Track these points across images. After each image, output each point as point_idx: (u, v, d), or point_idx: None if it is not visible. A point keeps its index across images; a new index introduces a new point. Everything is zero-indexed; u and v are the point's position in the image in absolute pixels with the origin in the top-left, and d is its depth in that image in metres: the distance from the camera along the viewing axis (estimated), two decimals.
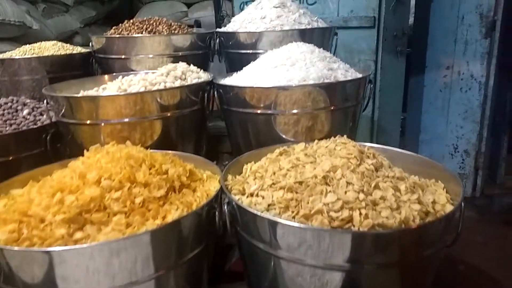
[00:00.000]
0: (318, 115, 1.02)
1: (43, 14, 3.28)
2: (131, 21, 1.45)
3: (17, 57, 1.35)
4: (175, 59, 1.40)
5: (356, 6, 2.11)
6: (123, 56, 1.37)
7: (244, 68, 1.23)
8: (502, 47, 2.19)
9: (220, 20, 2.65)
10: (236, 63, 1.50)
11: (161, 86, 1.02)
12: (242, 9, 2.30)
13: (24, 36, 2.95)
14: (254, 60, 1.39)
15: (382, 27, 2.10)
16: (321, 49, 1.17)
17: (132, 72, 1.34)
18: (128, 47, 1.36)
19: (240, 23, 1.46)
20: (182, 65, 1.18)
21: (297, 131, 1.03)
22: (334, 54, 1.54)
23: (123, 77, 1.30)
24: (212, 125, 1.48)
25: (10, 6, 2.72)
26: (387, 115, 2.27)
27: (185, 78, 1.10)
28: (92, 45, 1.47)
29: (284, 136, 1.05)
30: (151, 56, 1.37)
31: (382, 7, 2.07)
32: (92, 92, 1.21)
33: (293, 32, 1.36)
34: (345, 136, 0.87)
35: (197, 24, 2.51)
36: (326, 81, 1.02)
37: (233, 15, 2.43)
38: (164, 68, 1.11)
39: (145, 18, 1.47)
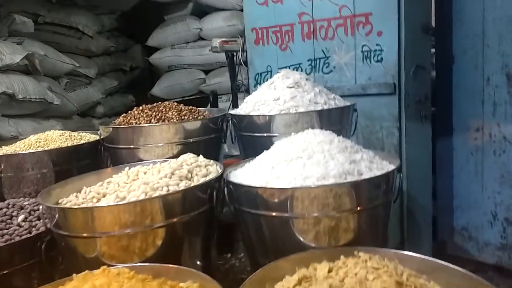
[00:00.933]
0: (342, 218, 0.89)
1: (66, 88, 3.38)
2: (140, 108, 1.41)
3: (21, 152, 1.31)
4: (186, 146, 1.33)
5: (373, 73, 2.03)
6: (131, 146, 1.31)
7: (257, 158, 1.13)
8: None
9: (236, 89, 2.64)
10: (250, 146, 1.42)
11: (164, 191, 0.92)
12: (257, 80, 2.28)
13: (45, 111, 3.02)
14: (268, 144, 1.30)
15: (404, 93, 2.00)
16: (341, 137, 1.07)
17: (139, 162, 1.27)
18: (136, 136, 1.31)
19: (253, 105, 1.40)
20: (188, 160, 1.09)
21: (318, 236, 0.91)
22: (354, 132, 1.44)
23: (129, 169, 1.23)
24: (225, 210, 1.37)
25: (32, 83, 2.80)
26: (417, 186, 2.11)
27: (191, 177, 1.01)
28: (100, 134, 1.43)
29: (304, 241, 0.93)
30: (160, 144, 1.31)
31: (401, 72, 1.99)
32: (95, 188, 1.13)
33: (309, 114, 1.28)
34: (377, 257, 0.73)
35: (213, 94, 2.51)
36: (348, 178, 0.91)
37: (248, 86, 2.42)
38: (168, 166, 1.03)
39: (154, 104, 1.43)
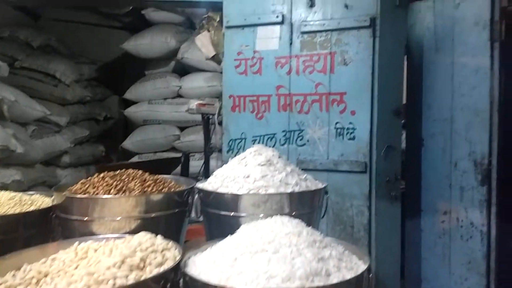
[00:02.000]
0: None
1: (32, 135, 3.25)
2: (102, 175, 1.33)
3: None
4: (146, 221, 1.24)
5: (346, 150, 2.05)
6: (85, 218, 1.21)
7: (220, 244, 1.05)
8: (501, 195, 2.08)
9: (209, 152, 2.60)
10: (215, 223, 1.34)
11: (110, 285, 0.82)
12: (230, 146, 2.25)
13: (8, 158, 2.87)
14: (235, 223, 1.23)
15: (375, 172, 2.01)
16: (310, 228, 1.01)
17: (91, 237, 1.16)
18: (91, 207, 1.21)
19: (222, 180, 1.34)
20: (144, 243, 1.00)
21: None
22: (324, 215, 1.40)
23: (79, 244, 1.12)
24: None
25: None
26: (385, 266, 2.06)
27: (143, 267, 0.91)
28: (53, 200, 1.32)
29: None
30: (118, 218, 1.21)
31: (373, 152, 2.01)
32: (37, 266, 1.01)
33: (279, 195, 1.24)
34: None
35: (185, 156, 2.45)
36: (316, 280, 0.84)
37: (221, 151, 2.38)
38: (119, 253, 0.93)
39: (117, 172, 1.35)
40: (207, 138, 2.57)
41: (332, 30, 2.07)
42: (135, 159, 3.70)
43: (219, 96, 3.58)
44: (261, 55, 2.22)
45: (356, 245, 1.11)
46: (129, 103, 3.97)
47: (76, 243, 1.13)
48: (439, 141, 2.22)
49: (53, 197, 1.31)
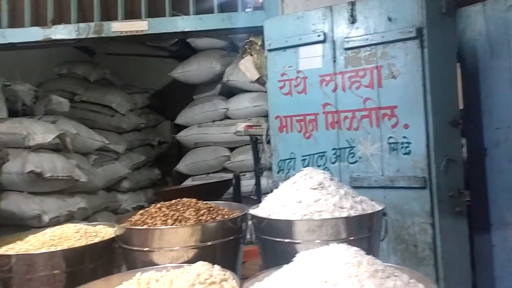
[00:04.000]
0: None
1: (94, 164, 3.47)
2: (158, 205, 1.38)
3: (33, 251, 1.27)
4: (202, 250, 1.26)
5: (402, 166, 1.96)
6: (145, 249, 1.26)
7: (277, 275, 1.04)
8: None
9: (259, 173, 2.61)
10: (270, 249, 1.33)
11: None
12: (280, 167, 2.25)
13: (73, 187, 3.07)
14: (289, 250, 1.22)
15: (435, 187, 1.90)
16: (370, 257, 0.97)
17: (152, 267, 1.20)
18: (150, 238, 1.25)
19: (274, 205, 1.34)
20: (202, 275, 1.01)
21: None
22: (384, 237, 1.34)
23: (141, 274, 1.16)
24: None
25: (60, 161, 2.88)
26: (455, 285, 1.92)
27: None
28: (115, 231, 1.39)
29: None
30: (176, 248, 1.24)
31: (431, 166, 1.91)
32: None
33: (334, 220, 1.20)
34: None
35: (236, 178, 2.48)
36: None
37: (271, 169, 2.38)
38: (179, 286, 0.95)
39: (173, 202, 1.39)
40: (257, 159, 2.59)
41: (376, 44, 2.02)
42: (188, 181, 3.81)
43: (265, 115, 3.62)
44: (305, 75, 2.21)
45: (421, 267, 1.05)
46: (180, 127, 4.12)
47: (138, 274, 1.17)
48: (505, 149, 2.06)
49: (115, 228, 1.37)
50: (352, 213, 1.25)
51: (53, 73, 4.07)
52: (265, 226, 1.31)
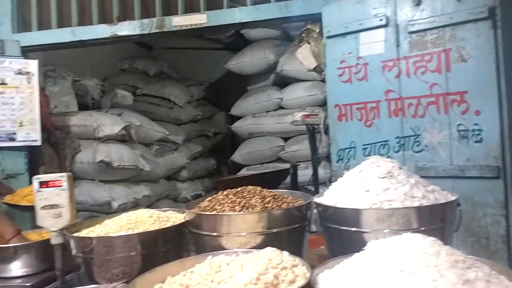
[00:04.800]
0: None
1: (155, 154, 3.64)
2: (225, 192, 1.42)
3: (113, 234, 1.36)
4: (268, 236, 1.28)
5: (472, 154, 1.85)
6: (214, 234, 1.31)
7: (349, 262, 1.03)
8: None
9: (317, 162, 2.59)
10: (336, 238, 1.32)
11: None
12: (339, 156, 2.21)
13: (137, 176, 3.24)
14: (357, 239, 1.20)
15: (510, 177, 1.78)
16: (448, 247, 0.94)
17: (222, 251, 1.24)
18: (218, 224, 1.30)
19: (339, 194, 1.32)
20: (274, 260, 1.03)
21: None
22: (457, 229, 1.28)
23: (212, 258, 1.21)
24: None
25: (127, 151, 3.05)
26: None
27: (277, 284, 0.94)
28: (185, 216, 1.45)
29: None
30: (243, 234, 1.28)
31: (506, 154, 1.79)
32: (179, 279, 1.12)
33: (405, 210, 1.17)
34: None
35: (294, 167, 2.47)
36: None
37: (329, 154, 2.35)
38: (252, 270, 0.98)
39: (239, 189, 1.42)
40: (314, 148, 2.56)
41: (444, 26, 1.91)
42: (243, 171, 3.87)
43: (320, 105, 3.57)
44: (366, 61, 2.15)
45: (493, 261, 0.99)
46: (234, 118, 4.19)
47: (210, 257, 1.22)
48: None
49: (185, 214, 1.44)
50: (424, 202, 1.20)
51: (116, 68, 4.30)
52: (331, 214, 1.30)
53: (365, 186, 1.28)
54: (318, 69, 2.83)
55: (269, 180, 2.50)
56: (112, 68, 4.29)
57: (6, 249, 1.54)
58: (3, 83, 2.34)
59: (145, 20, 2.46)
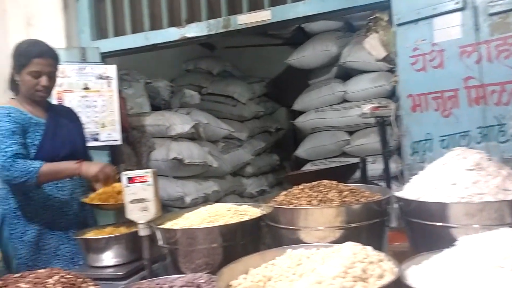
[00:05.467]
0: None
1: (221, 151, 3.75)
2: (301, 187, 1.43)
3: (196, 226, 1.43)
4: (347, 231, 1.27)
5: None
6: (291, 227, 1.32)
7: (438, 258, 0.99)
8: None
9: (388, 155, 2.50)
10: (420, 233, 1.27)
11: None
12: (413, 149, 2.12)
13: (206, 172, 3.37)
14: (443, 234, 1.15)
15: None
16: None
17: (301, 245, 1.25)
18: (296, 217, 1.31)
19: (422, 188, 1.27)
20: (359, 254, 1.02)
21: None
22: None
23: (292, 251, 1.23)
24: None
25: (196, 149, 3.18)
26: None
27: (366, 278, 0.93)
28: (262, 210, 1.48)
29: None
30: (321, 228, 1.28)
31: None
32: (261, 271, 1.15)
33: (500, 204, 1.09)
34: None
35: (363, 161, 2.41)
36: None
37: (400, 153, 2.26)
38: (339, 263, 0.97)
39: (314, 184, 1.42)
40: (384, 141, 2.48)
41: None
42: (308, 166, 3.85)
43: (387, 96, 3.44)
44: (441, 47, 2.03)
45: None
46: (296, 113, 4.18)
47: (289, 250, 1.24)
48: None
49: (261, 208, 1.47)
50: None
51: (182, 70, 4.49)
52: (414, 209, 1.25)
53: (451, 179, 1.21)
54: (388, 59, 2.74)
55: (338, 175, 2.46)
56: (178, 69, 4.48)
57: (99, 240, 1.69)
58: (86, 88, 2.56)
59: (212, 21, 2.54)
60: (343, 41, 3.79)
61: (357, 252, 1.04)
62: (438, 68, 2.04)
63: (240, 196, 3.91)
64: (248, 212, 1.52)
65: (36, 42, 2.03)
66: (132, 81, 3.21)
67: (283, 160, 4.76)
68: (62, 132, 2.00)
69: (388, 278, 0.93)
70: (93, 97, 2.55)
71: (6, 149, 1.80)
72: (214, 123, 3.56)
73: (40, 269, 1.32)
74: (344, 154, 3.76)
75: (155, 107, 3.51)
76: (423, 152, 2.07)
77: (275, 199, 1.47)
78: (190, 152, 3.07)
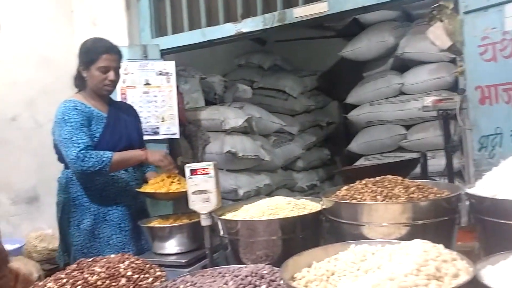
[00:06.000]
0: None
1: (273, 145, 3.76)
2: (363, 182, 1.40)
3: (256, 218, 1.45)
4: (413, 228, 1.23)
5: None
6: (354, 222, 1.30)
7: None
8: None
9: (451, 150, 2.38)
10: (492, 232, 1.21)
11: None
12: (482, 144, 2.00)
13: (257, 166, 3.40)
14: None
15: None
16: None
17: (365, 241, 1.23)
18: (360, 213, 1.28)
19: (497, 185, 1.20)
20: (431, 252, 0.98)
21: None
22: None
23: (355, 246, 1.21)
24: None
25: (249, 142, 3.22)
26: None
27: (440, 277, 0.90)
28: (322, 204, 1.47)
29: None
30: (385, 224, 1.25)
31: None
32: (325, 265, 1.15)
33: None
34: None
35: (423, 156, 2.31)
36: None
37: (460, 143, 2.13)
38: (412, 261, 0.94)
39: (378, 179, 1.39)
40: (448, 136, 2.36)
41: None
42: (361, 161, 3.77)
43: (447, 88, 3.26)
44: None
45: None
46: (348, 107, 4.09)
47: (352, 245, 1.22)
48: None
49: (321, 202, 1.46)
50: None
51: (234, 64, 4.55)
52: (488, 207, 1.18)
53: None
54: (453, 48, 2.58)
55: (396, 170, 2.38)
56: (230, 64, 4.54)
57: (163, 229, 1.77)
58: (148, 83, 2.67)
59: (267, 15, 2.54)
60: (400, 31, 3.65)
61: (428, 250, 1.01)
62: (510, 58, 1.90)
63: (291, 190, 3.91)
64: (308, 206, 1.52)
65: (102, 40, 2.15)
66: (188, 77, 3.30)
67: (333, 154, 4.69)
68: (120, 127, 2.11)
69: (464, 277, 0.89)
70: (153, 92, 2.66)
71: (79, 141, 1.93)
72: (266, 117, 3.58)
73: (94, 256, 1.42)
74: (400, 148, 3.62)
75: (208, 102, 3.59)
76: (492, 148, 1.94)
77: (336, 193, 1.45)
78: (243, 145, 3.11)
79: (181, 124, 2.84)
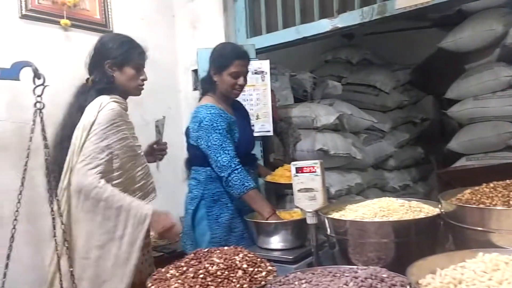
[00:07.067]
0: None
1: (363, 143, 3.64)
2: (492, 184, 1.29)
3: (367, 219, 1.42)
4: None
5: None
6: (479, 228, 1.20)
7: None
8: None
9: None
10: None
11: None
12: None
13: (349, 164, 3.32)
14: None
15: None
16: None
17: (495, 249, 1.13)
18: (487, 218, 1.18)
19: None
20: None
21: None
22: None
23: (483, 254, 1.12)
24: None
25: (340, 140, 3.15)
26: None
27: None
28: (440, 208, 1.39)
29: None
30: None
31: None
32: (450, 273, 1.08)
33: None
34: None
35: None
36: None
37: None
38: None
39: (508, 182, 1.27)
40: None
41: None
42: (462, 160, 3.48)
43: None
44: None
45: None
46: (444, 101, 3.79)
47: (481, 253, 1.14)
48: None
49: (439, 205, 1.38)
50: None
51: (321, 60, 4.49)
52: None
53: None
54: None
55: (509, 172, 2.17)
56: (318, 61, 4.49)
57: (268, 225, 1.81)
58: None
59: (365, 8, 2.45)
60: (509, 18, 3.29)
61: None
62: None
63: (382, 190, 3.75)
64: (423, 208, 1.44)
65: (234, 45, 2.26)
66: (278, 75, 3.33)
67: (428, 153, 4.40)
68: (248, 128, 2.21)
69: None
70: (249, 91, 2.73)
71: (228, 148, 1.98)
72: (357, 114, 3.47)
73: None
74: (508, 148, 3.28)
75: (297, 99, 3.59)
76: None
77: (457, 197, 1.36)
78: (335, 143, 3.06)
79: (274, 121, 2.87)
